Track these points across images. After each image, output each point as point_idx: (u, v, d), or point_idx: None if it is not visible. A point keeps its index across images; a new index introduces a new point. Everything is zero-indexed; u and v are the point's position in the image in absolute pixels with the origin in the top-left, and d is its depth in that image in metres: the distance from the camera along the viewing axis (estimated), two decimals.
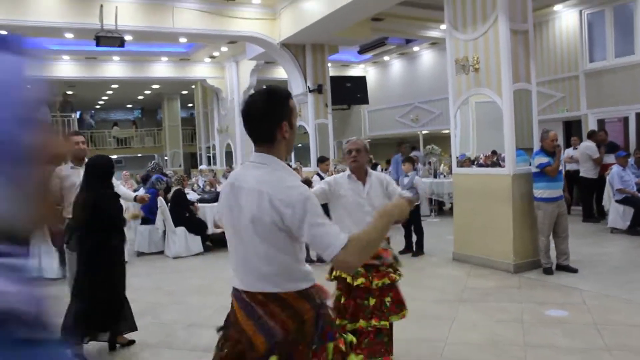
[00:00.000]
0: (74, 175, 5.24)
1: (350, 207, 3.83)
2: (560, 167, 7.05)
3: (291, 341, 2.04)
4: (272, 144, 2.13)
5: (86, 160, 5.17)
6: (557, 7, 12.60)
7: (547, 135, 7.06)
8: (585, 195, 11.09)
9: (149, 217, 9.87)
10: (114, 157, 26.85)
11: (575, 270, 6.91)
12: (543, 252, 7.03)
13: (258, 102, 2.12)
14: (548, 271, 6.93)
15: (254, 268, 2.08)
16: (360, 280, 3.72)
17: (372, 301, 3.78)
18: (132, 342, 5.05)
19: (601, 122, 12.15)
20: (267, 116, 2.10)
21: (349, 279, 3.74)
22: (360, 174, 3.93)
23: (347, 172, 3.94)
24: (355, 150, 3.92)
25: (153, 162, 13.50)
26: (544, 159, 6.92)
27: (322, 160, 9.74)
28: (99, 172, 4.81)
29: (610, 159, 10.32)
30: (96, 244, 4.57)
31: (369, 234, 2.05)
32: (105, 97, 25.85)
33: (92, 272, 4.55)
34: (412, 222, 8.65)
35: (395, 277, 3.90)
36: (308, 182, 8.43)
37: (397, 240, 8.48)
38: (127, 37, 10.98)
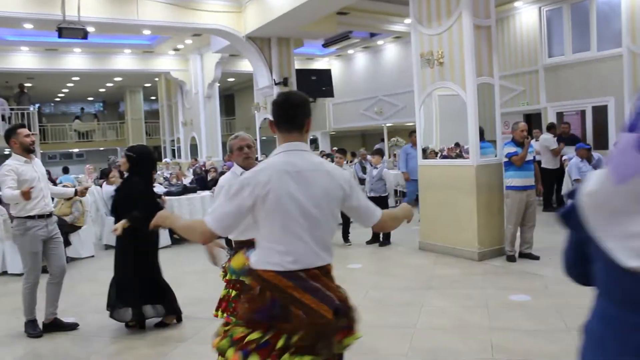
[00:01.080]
0: (30, 170, 5.09)
1: None
2: (530, 157, 7.25)
3: (347, 307, 2.42)
4: (302, 134, 2.44)
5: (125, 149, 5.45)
6: (518, 4, 12.95)
7: (517, 127, 7.31)
8: (545, 186, 11.43)
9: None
10: (75, 150, 26.46)
11: (537, 258, 7.17)
12: (509, 241, 7.26)
13: (299, 98, 2.46)
14: (511, 259, 7.18)
15: (325, 243, 2.40)
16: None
17: None
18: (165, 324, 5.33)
19: (560, 115, 12.55)
20: (305, 111, 2.44)
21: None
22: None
23: (239, 169, 3.73)
24: (246, 146, 3.81)
25: (111, 157, 13.45)
26: (512, 149, 7.15)
27: None
28: (148, 160, 5.28)
29: (571, 150, 10.64)
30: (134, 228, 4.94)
31: (392, 214, 2.75)
32: (65, 90, 25.33)
33: (127, 252, 5.22)
34: None
35: None
36: None
37: (365, 231, 8.64)
38: (90, 29, 10.82)
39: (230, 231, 2.51)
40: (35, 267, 5.16)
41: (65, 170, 15.02)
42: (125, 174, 5.47)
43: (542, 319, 4.96)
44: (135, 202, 4.99)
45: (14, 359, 4.70)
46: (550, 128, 11.40)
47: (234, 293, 3.55)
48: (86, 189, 5.81)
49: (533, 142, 7.79)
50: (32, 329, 5.18)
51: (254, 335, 2.27)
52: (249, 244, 3.48)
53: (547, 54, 12.64)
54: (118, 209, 5.24)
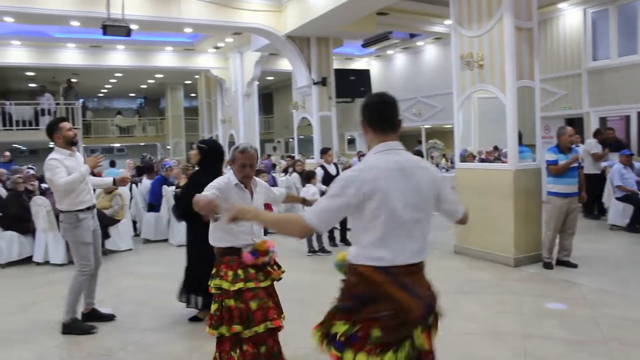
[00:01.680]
0: (74, 163, 5.16)
1: None
2: (575, 164, 7.03)
3: (435, 305, 2.57)
4: (396, 133, 2.54)
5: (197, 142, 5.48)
6: (562, 5, 12.67)
7: (564, 131, 7.08)
8: (586, 192, 11.18)
9: (154, 204, 10.00)
10: (116, 145, 27.01)
11: (575, 266, 7.03)
12: (546, 247, 7.12)
13: (392, 98, 2.56)
14: (548, 266, 7.05)
15: (426, 239, 2.53)
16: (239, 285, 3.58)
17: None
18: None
19: (603, 120, 12.26)
20: (398, 111, 2.56)
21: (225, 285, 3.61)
22: (249, 184, 3.81)
23: (235, 179, 3.71)
24: (249, 165, 3.72)
25: (146, 154, 13.66)
26: (553, 156, 6.97)
27: (324, 151, 9.83)
28: (218, 154, 5.24)
29: (614, 156, 10.36)
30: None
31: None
32: (108, 86, 25.90)
33: (194, 242, 5.40)
34: None
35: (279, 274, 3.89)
36: (312, 174, 8.54)
37: None
38: (133, 27, 11.04)
39: (329, 227, 2.78)
40: (89, 258, 5.23)
41: (112, 164, 15.42)
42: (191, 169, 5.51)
43: (578, 329, 4.86)
44: None
45: (55, 345, 4.84)
46: (597, 134, 11.12)
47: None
48: (125, 179, 5.77)
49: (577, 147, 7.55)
50: (82, 327, 5.17)
51: (342, 328, 2.37)
52: (229, 252, 3.68)
53: (591, 57, 12.35)
54: (186, 202, 5.21)
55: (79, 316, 5.33)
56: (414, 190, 2.42)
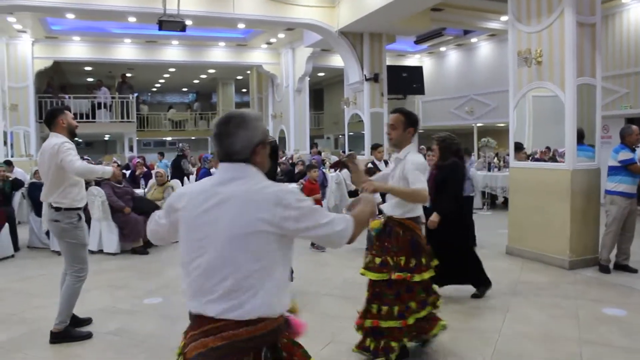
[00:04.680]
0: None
1: None
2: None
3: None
4: None
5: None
6: (626, 0, 12.20)
7: (630, 130, 6.85)
8: None
9: None
10: (168, 138, 27.53)
11: (635, 271, 6.75)
12: (606, 249, 6.85)
13: None
14: (605, 269, 6.79)
15: None
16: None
17: None
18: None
19: None
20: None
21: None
22: None
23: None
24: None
25: (181, 144, 14.00)
26: (629, 155, 6.73)
27: (375, 147, 9.75)
28: (275, 149, 5.56)
29: None
30: None
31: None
32: (162, 80, 26.41)
33: None
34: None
35: None
36: (374, 169, 8.45)
37: None
38: (188, 22, 11.21)
39: None
40: (87, 261, 4.80)
41: (162, 155, 15.91)
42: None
43: (638, 337, 4.66)
44: None
45: (107, 332, 4.94)
46: None
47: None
48: (116, 175, 5.16)
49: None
50: (77, 334, 4.76)
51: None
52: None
53: None
54: None
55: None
56: None
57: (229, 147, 2.06)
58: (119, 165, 9.75)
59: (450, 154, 5.58)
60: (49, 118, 4.69)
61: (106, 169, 4.83)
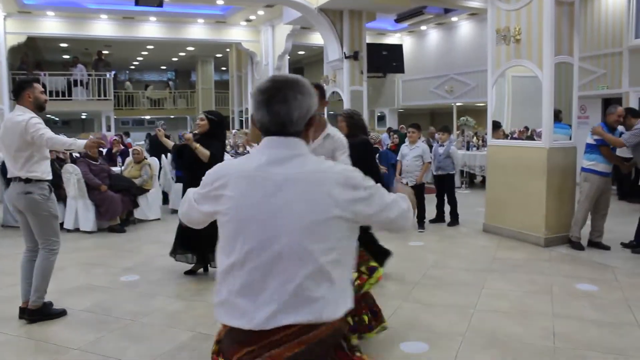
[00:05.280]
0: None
1: None
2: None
3: None
4: None
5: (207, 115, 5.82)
6: None
7: (612, 110, 6.91)
8: (622, 174, 10.89)
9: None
10: (147, 117, 27.23)
11: (607, 248, 6.86)
12: (578, 226, 6.95)
13: None
14: (578, 246, 6.89)
15: None
16: None
17: None
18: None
19: None
20: None
21: None
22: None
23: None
24: None
25: (161, 122, 13.89)
26: (606, 135, 6.77)
27: None
28: (224, 126, 6.02)
29: None
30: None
31: None
32: (140, 58, 26.02)
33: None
34: (445, 193, 8.70)
35: None
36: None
37: (429, 210, 8.50)
38: None
39: None
40: (59, 233, 4.71)
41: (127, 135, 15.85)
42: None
43: (610, 311, 4.74)
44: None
45: (82, 309, 4.91)
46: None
47: None
48: (95, 143, 4.99)
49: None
50: (54, 311, 4.69)
51: None
52: None
53: (633, 35, 11.91)
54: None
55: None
56: None
57: (285, 116, 1.72)
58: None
59: (358, 130, 5.38)
60: (16, 89, 4.55)
61: (77, 142, 4.68)
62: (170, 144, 6.48)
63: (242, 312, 1.67)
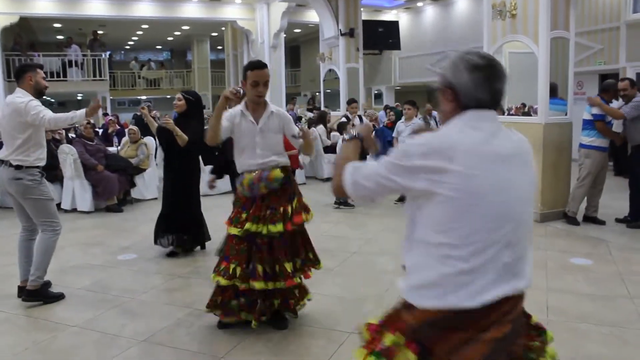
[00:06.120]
0: None
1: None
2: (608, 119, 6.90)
3: None
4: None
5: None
6: None
7: (608, 85, 6.96)
8: (618, 149, 10.89)
9: None
10: (143, 97, 27.09)
11: (602, 223, 6.90)
12: (576, 202, 6.98)
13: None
14: (574, 221, 6.92)
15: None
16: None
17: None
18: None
19: None
20: None
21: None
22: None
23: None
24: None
25: (147, 102, 13.68)
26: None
27: (350, 102, 9.71)
28: (201, 105, 5.95)
29: None
30: (184, 163, 5.67)
31: None
32: (135, 38, 25.82)
33: (173, 183, 5.73)
34: None
35: None
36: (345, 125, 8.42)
37: None
38: None
39: None
40: (57, 214, 4.70)
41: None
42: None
43: (603, 285, 4.79)
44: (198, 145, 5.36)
45: (81, 287, 4.94)
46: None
47: None
48: (95, 108, 4.71)
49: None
50: (52, 293, 4.68)
51: None
52: None
53: (631, 9, 11.83)
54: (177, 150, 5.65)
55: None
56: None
57: (502, 93, 1.77)
58: (92, 125, 9.56)
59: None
60: (18, 72, 4.55)
61: (77, 113, 4.55)
62: (155, 124, 6.42)
63: (493, 280, 1.67)
